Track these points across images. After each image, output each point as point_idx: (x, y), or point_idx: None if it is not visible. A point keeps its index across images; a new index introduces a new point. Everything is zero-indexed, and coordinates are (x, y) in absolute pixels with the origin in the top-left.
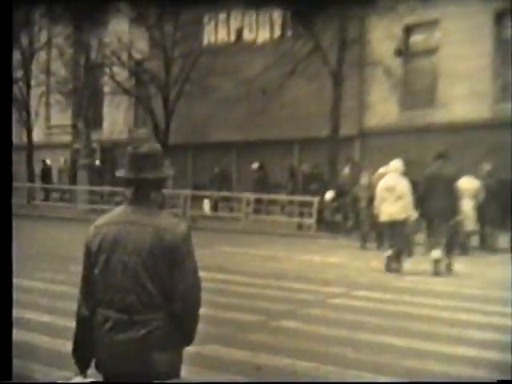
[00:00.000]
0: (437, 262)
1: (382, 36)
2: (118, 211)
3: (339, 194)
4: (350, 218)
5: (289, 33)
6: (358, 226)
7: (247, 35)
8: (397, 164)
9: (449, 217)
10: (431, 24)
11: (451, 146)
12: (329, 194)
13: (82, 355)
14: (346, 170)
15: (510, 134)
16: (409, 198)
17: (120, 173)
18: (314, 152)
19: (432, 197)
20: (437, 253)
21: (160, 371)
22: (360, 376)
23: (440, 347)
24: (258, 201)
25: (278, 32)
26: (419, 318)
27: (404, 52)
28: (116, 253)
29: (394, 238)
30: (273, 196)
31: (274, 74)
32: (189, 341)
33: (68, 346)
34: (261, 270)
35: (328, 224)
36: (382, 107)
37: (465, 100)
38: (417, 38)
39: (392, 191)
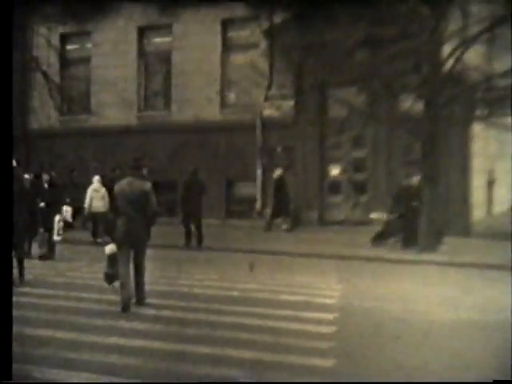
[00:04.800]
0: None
1: (42, 43)
2: (126, 179)
3: None
4: None
5: None
6: None
7: None
8: (97, 177)
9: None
10: (84, 35)
11: (104, 150)
12: None
13: (110, 233)
14: None
15: (152, 138)
16: (107, 198)
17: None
18: None
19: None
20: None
21: (143, 238)
22: None
23: None
24: None
25: None
26: None
27: None
28: (125, 194)
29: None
30: None
31: None
32: (152, 226)
33: None
34: None
35: None
36: (43, 111)
37: (114, 107)
38: (72, 47)
39: (98, 192)
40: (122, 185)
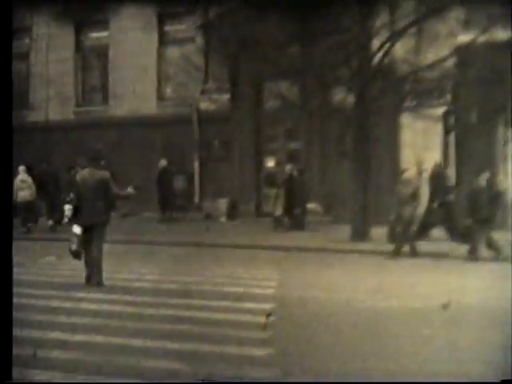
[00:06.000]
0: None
1: None
2: (86, 170)
3: None
4: None
5: None
6: None
7: None
8: (22, 167)
9: None
10: (22, 30)
11: (45, 145)
12: None
13: (76, 218)
14: None
15: (90, 134)
16: (34, 188)
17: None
18: None
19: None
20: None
21: (105, 219)
22: None
23: None
24: None
25: None
26: None
27: None
28: (86, 183)
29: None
30: None
31: None
32: (113, 209)
33: None
34: None
35: None
36: None
37: (52, 102)
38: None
39: (25, 182)
40: (83, 174)
